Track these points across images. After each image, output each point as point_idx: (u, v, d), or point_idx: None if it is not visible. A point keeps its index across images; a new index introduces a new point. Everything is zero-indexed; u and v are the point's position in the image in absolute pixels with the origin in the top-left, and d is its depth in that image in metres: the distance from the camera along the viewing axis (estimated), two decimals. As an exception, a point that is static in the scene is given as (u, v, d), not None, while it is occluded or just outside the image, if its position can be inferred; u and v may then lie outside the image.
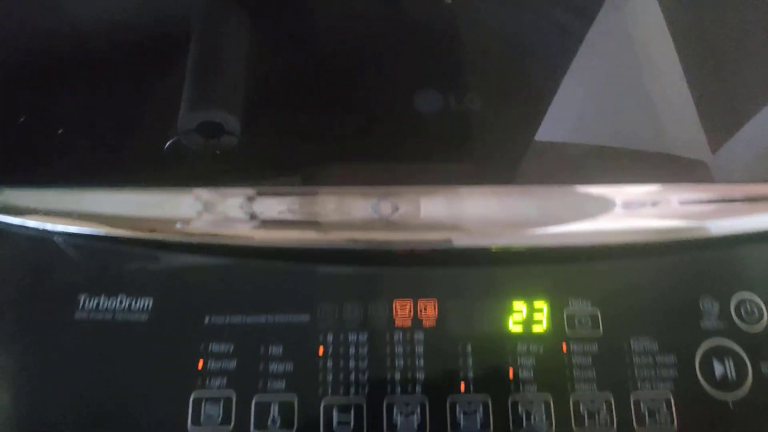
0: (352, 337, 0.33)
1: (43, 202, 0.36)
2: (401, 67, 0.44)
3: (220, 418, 0.32)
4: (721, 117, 0.42)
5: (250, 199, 0.36)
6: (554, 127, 0.41)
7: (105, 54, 0.45)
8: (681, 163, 0.40)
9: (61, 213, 0.36)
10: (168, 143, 0.39)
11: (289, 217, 0.35)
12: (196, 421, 0.32)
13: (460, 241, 0.35)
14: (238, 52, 0.45)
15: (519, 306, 0.34)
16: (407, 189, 0.36)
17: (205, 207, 0.36)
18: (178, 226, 0.35)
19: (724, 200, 0.37)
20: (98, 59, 0.45)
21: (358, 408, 0.32)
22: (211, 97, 0.42)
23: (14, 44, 0.45)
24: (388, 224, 0.35)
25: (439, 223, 0.35)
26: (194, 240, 0.35)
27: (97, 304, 0.34)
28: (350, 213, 0.35)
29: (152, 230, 0.35)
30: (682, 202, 0.36)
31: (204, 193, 0.36)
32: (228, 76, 0.43)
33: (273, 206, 0.36)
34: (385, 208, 0.35)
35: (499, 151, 0.40)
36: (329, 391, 0.33)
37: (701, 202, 0.37)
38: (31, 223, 0.36)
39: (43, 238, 0.36)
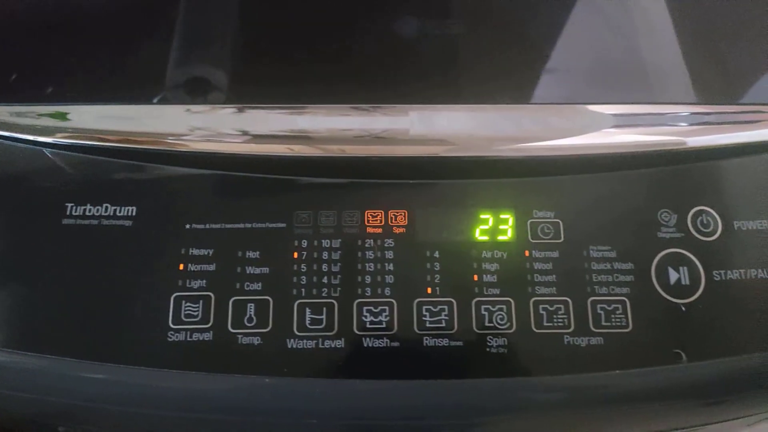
0: (325, 243, 0.35)
1: (37, 118, 0.38)
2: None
3: (199, 317, 0.34)
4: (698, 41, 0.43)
5: (241, 114, 0.38)
6: (530, 51, 0.42)
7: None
8: (648, 85, 0.41)
9: (53, 128, 0.38)
10: (156, 99, 0.40)
11: (278, 131, 0.37)
12: (176, 319, 0.34)
13: (433, 152, 0.37)
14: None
15: (486, 216, 0.36)
16: (384, 106, 0.38)
17: (198, 122, 0.38)
18: (170, 140, 0.37)
19: (683, 120, 0.38)
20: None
21: (330, 308, 0.34)
22: (199, 53, 0.43)
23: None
24: (361, 139, 0.37)
25: (412, 138, 0.37)
26: (185, 153, 0.37)
27: (83, 211, 0.36)
28: (327, 125, 0.37)
29: (143, 143, 0.37)
30: (645, 121, 0.38)
31: (196, 109, 0.38)
32: (216, 28, 0.44)
33: (264, 121, 0.38)
34: (358, 122, 0.37)
35: (472, 74, 0.41)
36: (303, 292, 0.34)
37: (662, 121, 0.38)
38: (27, 137, 0.37)
39: (34, 150, 0.37)
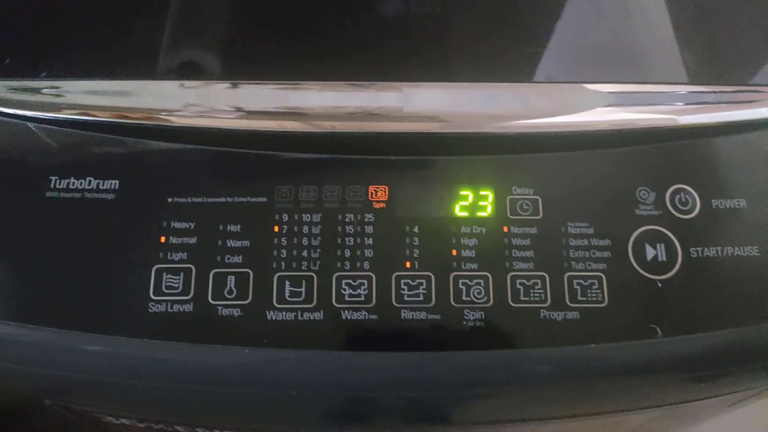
0: (306, 217, 0.36)
1: (22, 92, 0.39)
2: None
3: (180, 289, 0.34)
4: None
5: (235, 90, 0.38)
6: (517, 30, 0.43)
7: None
8: (633, 65, 0.41)
9: (38, 102, 0.38)
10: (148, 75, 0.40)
11: (270, 108, 0.38)
12: (157, 291, 0.34)
13: (419, 129, 0.37)
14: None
15: (465, 192, 0.36)
16: (372, 83, 0.38)
17: (187, 98, 0.38)
18: (157, 115, 0.37)
19: (665, 99, 0.39)
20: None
21: (309, 281, 0.35)
22: (192, 38, 0.43)
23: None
24: (353, 116, 0.38)
25: (403, 115, 0.38)
26: (170, 128, 0.37)
27: (67, 184, 0.36)
28: (316, 102, 0.38)
29: (130, 118, 0.37)
30: (625, 100, 0.38)
31: (190, 85, 0.38)
32: (209, 13, 0.45)
33: (255, 97, 0.38)
34: (347, 99, 0.37)
35: (462, 52, 0.42)
36: (283, 265, 0.35)
37: (643, 100, 0.38)
38: (11, 111, 0.38)
39: (19, 124, 0.38)
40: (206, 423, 0.41)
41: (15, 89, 0.39)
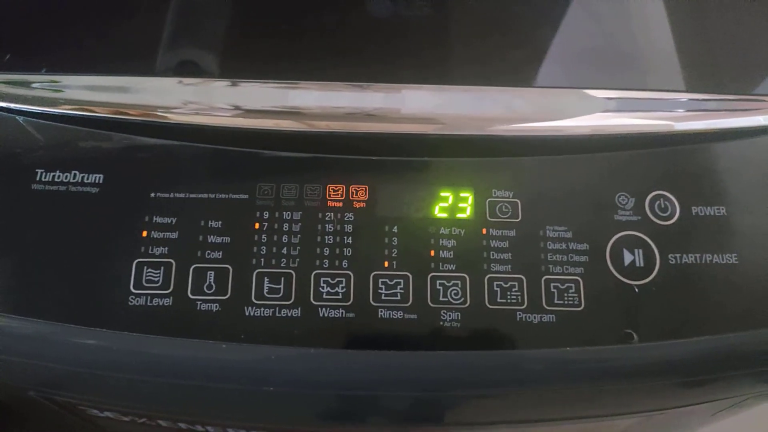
0: (286, 215, 0.36)
1: (9, 86, 0.39)
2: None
3: (159, 283, 0.35)
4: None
5: (232, 89, 0.39)
6: (511, 34, 0.43)
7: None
8: (619, 70, 0.41)
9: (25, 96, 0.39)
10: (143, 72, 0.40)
11: (264, 107, 0.38)
12: (138, 284, 0.35)
13: (406, 130, 0.38)
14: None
15: (446, 194, 0.36)
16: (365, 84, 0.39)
17: (188, 95, 0.39)
18: (143, 111, 0.38)
19: (647, 106, 0.39)
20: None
21: (288, 278, 0.35)
22: (190, 36, 0.43)
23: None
24: (352, 116, 0.38)
25: (388, 116, 0.38)
26: (154, 124, 0.38)
27: (53, 177, 0.36)
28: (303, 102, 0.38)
29: (130, 115, 0.38)
30: (607, 106, 0.38)
31: (186, 82, 0.39)
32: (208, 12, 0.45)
33: (255, 96, 0.39)
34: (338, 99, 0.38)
35: (454, 55, 0.42)
36: (262, 262, 0.35)
37: (625, 106, 0.39)
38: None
39: (7, 117, 0.38)
40: (186, 417, 0.41)
41: (6, 83, 0.39)
